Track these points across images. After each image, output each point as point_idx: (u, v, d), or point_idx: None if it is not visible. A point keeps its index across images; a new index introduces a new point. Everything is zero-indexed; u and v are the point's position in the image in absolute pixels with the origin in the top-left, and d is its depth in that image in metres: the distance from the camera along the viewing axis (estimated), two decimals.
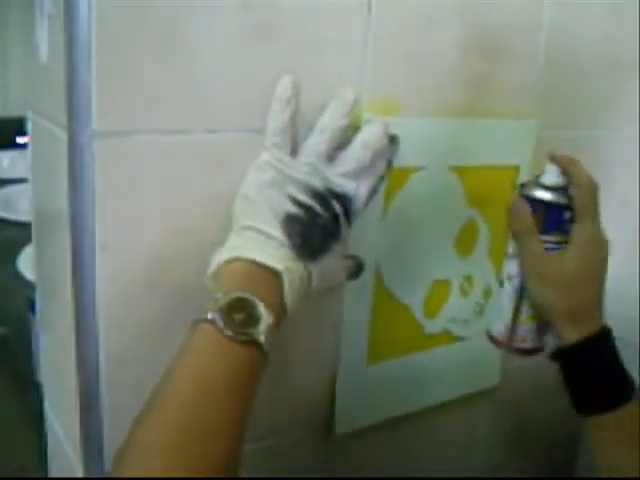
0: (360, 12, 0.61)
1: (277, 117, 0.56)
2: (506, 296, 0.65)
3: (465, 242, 0.77)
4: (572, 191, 0.61)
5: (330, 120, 0.56)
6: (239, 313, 0.49)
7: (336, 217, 0.56)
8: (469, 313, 0.80)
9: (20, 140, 1.88)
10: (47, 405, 0.73)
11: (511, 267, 0.64)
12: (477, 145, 0.74)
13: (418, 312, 0.75)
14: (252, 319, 0.49)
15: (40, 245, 0.71)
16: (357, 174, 0.57)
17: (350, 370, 0.71)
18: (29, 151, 0.68)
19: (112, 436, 0.58)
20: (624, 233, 0.97)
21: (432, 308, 0.76)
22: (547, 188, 0.61)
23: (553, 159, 0.61)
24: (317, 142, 0.56)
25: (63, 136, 0.53)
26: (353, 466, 0.77)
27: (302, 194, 0.55)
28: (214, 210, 0.57)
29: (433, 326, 0.76)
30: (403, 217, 0.70)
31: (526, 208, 0.62)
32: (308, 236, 0.55)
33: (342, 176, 0.56)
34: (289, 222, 0.54)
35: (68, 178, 0.53)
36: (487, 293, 0.80)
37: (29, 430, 0.83)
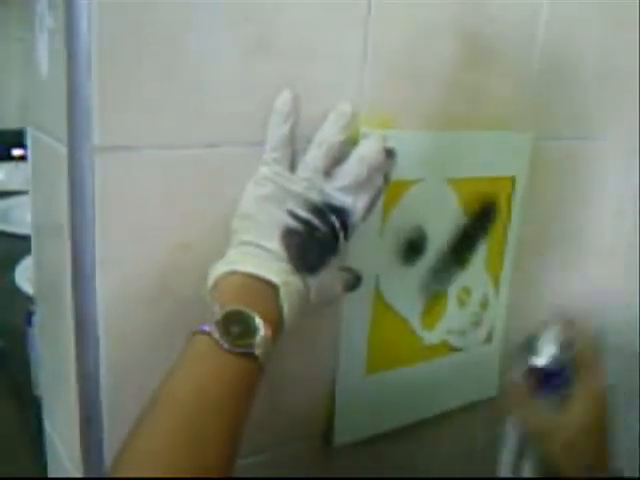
0: (358, 26, 0.61)
1: (276, 132, 0.56)
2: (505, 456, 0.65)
3: None
4: (574, 350, 0.61)
5: (327, 135, 0.57)
6: (235, 325, 0.49)
7: (334, 231, 0.56)
8: (467, 324, 0.80)
9: (16, 153, 1.89)
10: (46, 420, 0.73)
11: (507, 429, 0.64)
12: (473, 157, 0.74)
13: (416, 324, 0.75)
14: (248, 331, 0.49)
15: (39, 258, 0.71)
16: (355, 188, 0.57)
17: (349, 381, 0.71)
18: (28, 165, 0.68)
19: (113, 451, 0.57)
20: (618, 244, 0.98)
21: (430, 319, 0.76)
22: (546, 352, 0.62)
23: (551, 323, 0.62)
24: (314, 157, 0.56)
25: (63, 151, 0.53)
26: (353, 477, 0.77)
27: (301, 208, 0.55)
28: (215, 224, 0.57)
29: (432, 337, 0.77)
30: (401, 229, 0.70)
31: (522, 390, 0.62)
32: (306, 250, 0.55)
33: (340, 190, 0.56)
34: (288, 236, 0.55)
35: (68, 193, 0.53)
36: (484, 304, 0.81)
37: (28, 445, 0.83)
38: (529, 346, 0.63)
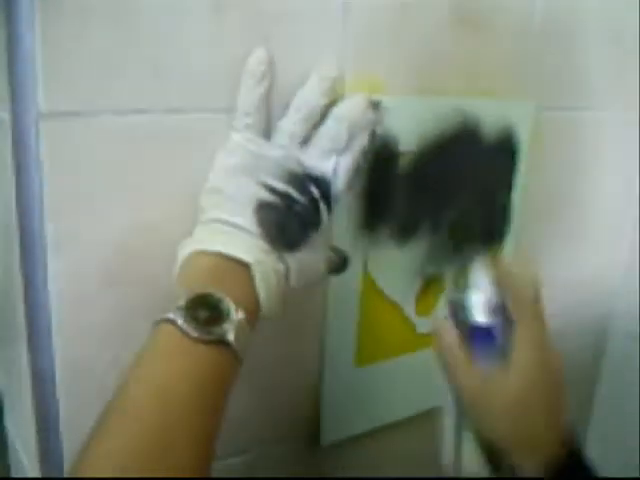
0: None
1: (249, 95, 0.50)
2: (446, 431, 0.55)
3: None
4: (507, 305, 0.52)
5: (308, 98, 0.51)
6: (203, 310, 0.44)
7: (315, 203, 0.51)
8: None
9: None
10: (7, 417, 0.67)
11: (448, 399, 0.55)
12: None
13: (410, 310, 0.70)
14: (218, 316, 0.44)
15: None
16: (334, 152, 0.51)
17: (336, 374, 0.66)
18: None
19: (72, 450, 0.51)
20: (626, 219, 0.93)
21: (425, 305, 0.71)
22: (476, 308, 0.53)
23: (481, 270, 0.55)
24: (292, 122, 0.51)
25: (5, 117, 0.47)
26: (340, 477, 0.72)
27: (276, 179, 0.50)
28: (180, 200, 0.52)
29: (426, 325, 0.71)
30: None
31: (453, 338, 0.53)
32: (284, 225, 0.50)
33: (318, 157, 0.51)
34: (262, 211, 0.49)
35: (13, 166, 0.47)
36: None
37: None
38: (456, 296, 0.55)
